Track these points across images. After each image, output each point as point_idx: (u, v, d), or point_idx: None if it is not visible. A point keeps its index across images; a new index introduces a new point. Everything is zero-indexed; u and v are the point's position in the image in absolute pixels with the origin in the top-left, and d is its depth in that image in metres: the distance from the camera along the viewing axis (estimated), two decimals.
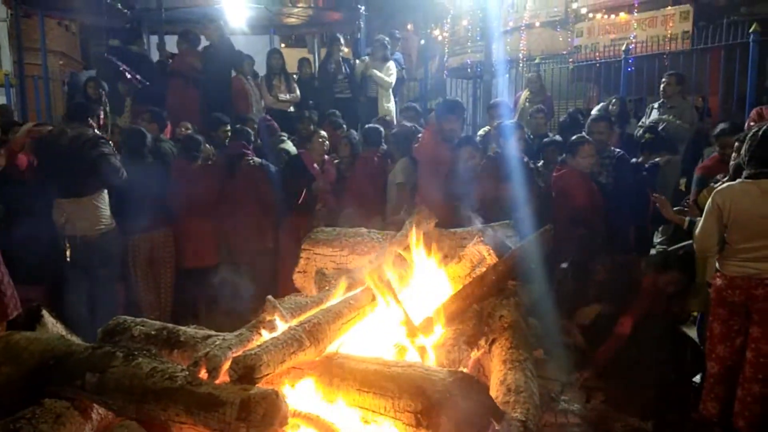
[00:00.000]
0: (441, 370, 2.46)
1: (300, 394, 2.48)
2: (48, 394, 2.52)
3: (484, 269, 3.28)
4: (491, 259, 3.28)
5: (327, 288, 3.12)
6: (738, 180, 3.27)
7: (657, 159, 4.96)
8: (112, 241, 4.58)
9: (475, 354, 3.00)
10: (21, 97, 8.93)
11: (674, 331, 3.92)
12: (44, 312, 3.01)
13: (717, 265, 3.37)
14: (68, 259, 4.38)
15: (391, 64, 7.59)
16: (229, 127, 5.97)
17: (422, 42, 12.30)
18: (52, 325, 3.01)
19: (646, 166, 4.91)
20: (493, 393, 2.54)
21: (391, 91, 7.64)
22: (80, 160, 4.35)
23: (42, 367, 2.59)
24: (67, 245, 4.38)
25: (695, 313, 4.23)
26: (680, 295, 3.92)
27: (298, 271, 3.95)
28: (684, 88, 6.54)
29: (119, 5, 8.57)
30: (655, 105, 6.37)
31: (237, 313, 4.97)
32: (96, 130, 4.67)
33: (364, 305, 2.88)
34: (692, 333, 4.19)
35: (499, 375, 2.67)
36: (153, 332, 2.82)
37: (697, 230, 3.36)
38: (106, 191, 4.57)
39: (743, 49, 6.58)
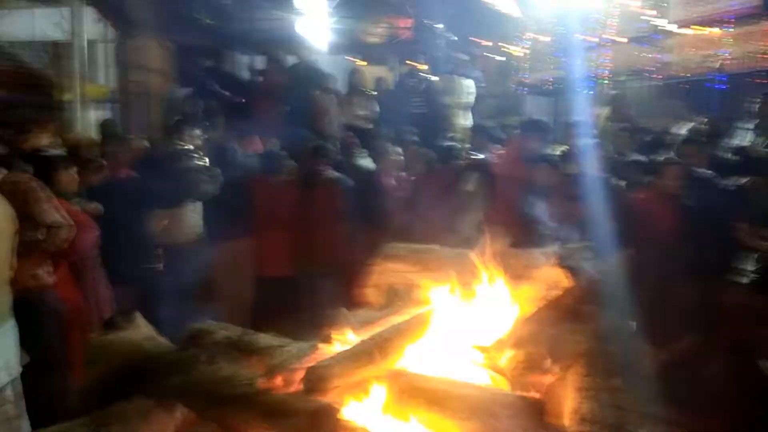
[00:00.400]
0: (511, 394, 2.44)
1: (367, 409, 2.52)
2: (137, 391, 2.69)
3: (559, 292, 3.20)
4: (567, 281, 3.20)
5: (398, 304, 3.16)
6: None
7: (743, 181, 4.64)
8: (201, 250, 4.87)
9: (548, 379, 2.93)
10: (123, 112, 9.66)
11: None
12: (136, 314, 3.23)
13: None
14: (161, 266, 4.67)
15: (470, 82, 7.61)
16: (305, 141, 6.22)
17: (502, 58, 12.20)
18: (143, 326, 3.22)
19: (731, 188, 4.60)
20: (566, 422, 2.48)
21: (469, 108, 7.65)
22: (173, 174, 4.66)
23: (132, 365, 2.78)
24: (161, 253, 4.69)
25: None
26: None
27: (371, 286, 4.01)
28: None
29: (211, 24, 9.10)
30: (750, 126, 5.99)
31: (311, 322, 5.13)
32: (191, 146, 4.98)
33: (432, 323, 2.89)
34: None
35: (572, 403, 2.59)
36: (234, 337, 2.95)
37: None
38: (200, 202, 4.86)
39: None
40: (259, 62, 8.47)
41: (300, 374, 2.38)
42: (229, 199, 5.01)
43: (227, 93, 7.35)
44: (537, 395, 2.84)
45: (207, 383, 2.52)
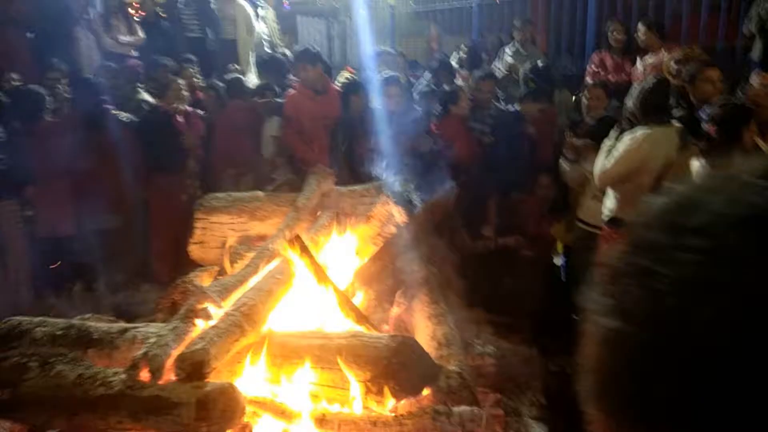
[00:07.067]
0: (382, 336, 2.58)
1: (248, 379, 2.44)
2: None
3: (394, 227, 3.39)
4: (400, 217, 3.39)
5: (245, 263, 3.01)
6: (658, 126, 3.36)
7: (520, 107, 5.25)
8: None
9: (395, 311, 3.15)
10: None
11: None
12: None
13: (613, 210, 3.51)
14: None
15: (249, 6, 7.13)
16: (58, 74, 5.23)
17: None
18: None
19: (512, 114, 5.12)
20: (426, 348, 2.72)
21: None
22: None
23: None
24: None
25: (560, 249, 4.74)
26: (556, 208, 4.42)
27: (195, 242, 3.71)
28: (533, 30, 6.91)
29: None
30: (508, 50, 6.61)
31: (114, 284, 4.58)
32: None
33: (290, 278, 2.86)
34: None
35: (427, 330, 2.85)
36: (59, 332, 2.52)
37: (611, 164, 3.39)
38: None
39: None
40: None
41: (169, 363, 2.18)
42: None
43: None
44: (388, 329, 3.07)
45: (48, 393, 2.15)
